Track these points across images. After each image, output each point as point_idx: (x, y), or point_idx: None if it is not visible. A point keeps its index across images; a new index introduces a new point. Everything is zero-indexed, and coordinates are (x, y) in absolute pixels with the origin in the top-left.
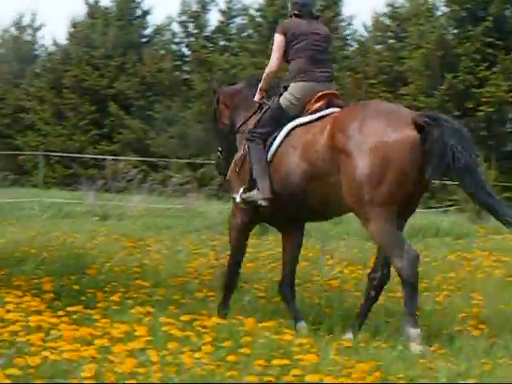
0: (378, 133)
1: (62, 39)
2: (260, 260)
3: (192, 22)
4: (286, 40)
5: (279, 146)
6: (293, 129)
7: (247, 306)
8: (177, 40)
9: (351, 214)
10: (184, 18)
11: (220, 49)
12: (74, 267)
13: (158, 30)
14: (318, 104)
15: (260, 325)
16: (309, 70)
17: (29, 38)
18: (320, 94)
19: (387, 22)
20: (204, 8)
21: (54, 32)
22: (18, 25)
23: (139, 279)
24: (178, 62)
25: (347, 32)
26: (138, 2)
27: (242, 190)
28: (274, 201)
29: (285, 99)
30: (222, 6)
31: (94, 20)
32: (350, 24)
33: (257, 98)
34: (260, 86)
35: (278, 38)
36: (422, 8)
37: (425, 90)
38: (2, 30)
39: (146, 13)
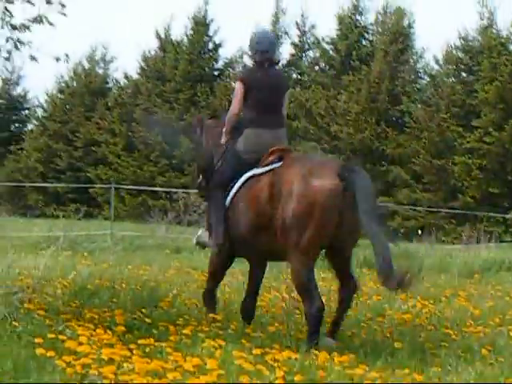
0: (305, 182)
1: (134, 72)
2: (332, 293)
3: None
4: (245, 88)
5: (235, 194)
6: (248, 179)
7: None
8: None
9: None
10: None
11: (292, 82)
12: (146, 300)
13: (230, 63)
14: (271, 158)
15: (332, 359)
16: (261, 118)
17: (101, 71)
18: (274, 148)
19: (459, 54)
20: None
21: (125, 65)
22: (90, 58)
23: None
24: None
25: (419, 65)
26: (210, 36)
27: (199, 231)
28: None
29: (239, 144)
30: (295, 39)
31: (165, 53)
32: (421, 57)
33: (223, 140)
34: (224, 129)
35: (238, 86)
36: (495, 42)
37: (497, 123)
38: (74, 63)
39: (217, 46)
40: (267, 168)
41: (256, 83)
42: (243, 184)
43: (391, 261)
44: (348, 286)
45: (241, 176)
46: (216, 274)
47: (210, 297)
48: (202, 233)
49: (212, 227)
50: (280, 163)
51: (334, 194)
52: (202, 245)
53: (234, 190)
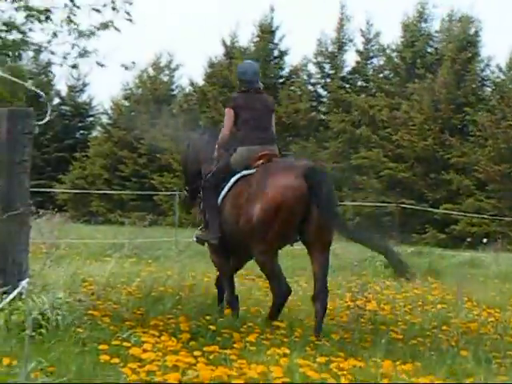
0: (273, 182)
1: (199, 79)
2: (396, 302)
3: (328, 62)
4: (234, 112)
5: (226, 193)
6: (237, 180)
7: (384, 348)
8: (313, 80)
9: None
10: (320, 58)
11: (357, 89)
12: (211, 308)
13: (295, 71)
14: (259, 161)
15: (397, 367)
16: (251, 136)
17: (166, 78)
18: (261, 153)
19: None
20: (340, 48)
21: (190, 72)
22: (155, 65)
23: (275, 320)
24: (315, 103)
25: (484, 73)
26: (276, 43)
27: (197, 230)
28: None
29: (233, 159)
30: (360, 46)
31: (230, 60)
32: (488, 65)
33: (215, 155)
34: (216, 150)
35: (228, 112)
36: None
37: None
38: (140, 70)
39: (283, 53)
40: (253, 170)
41: (244, 106)
42: (233, 185)
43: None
44: (319, 294)
45: (231, 178)
46: (223, 269)
47: (230, 284)
48: (199, 231)
49: (208, 224)
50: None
51: (298, 193)
52: (201, 241)
53: (225, 190)
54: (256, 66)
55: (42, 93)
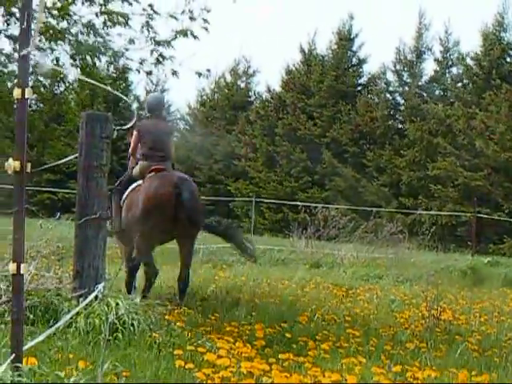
0: (149, 190)
1: (276, 86)
2: (472, 312)
3: (406, 70)
4: (139, 134)
5: (126, 196)
6: (134, 188)
7: (460, 358)
8: (391, 89)
9: None
10: (399, 66)
11: (435, 98)
12: (286, 315)
13: (373, 79)
14: (150, 174)
15: (473, 378)
16: (148, 154)
17: (243, 84)
18: (153, 167)
19: None
20: (419, 57)
21: (268, 79)
22: (232, 71)
23: (350, 328)
24: (392, 111)
25: None
26: (354, 51)
27: (107, 223)
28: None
29: (134, 170)
30: (438, 55)
31: (308, 67)
32: None
33: (129, 167)
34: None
35: (134, 134)
36: None
37: None
38: (217, 76)
39: (361, 61)
40: (143, 180)
41: (147, 130)
42: (131, 191)
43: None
44: (181, 275)
45: (131, 185)
46: (126, 256)
47: (129, 282)
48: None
49: (113, 220)
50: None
51: (167, 199)
52: (108, 234)
53: (125, 194)
54: (160, 98)
55: (126, 98)
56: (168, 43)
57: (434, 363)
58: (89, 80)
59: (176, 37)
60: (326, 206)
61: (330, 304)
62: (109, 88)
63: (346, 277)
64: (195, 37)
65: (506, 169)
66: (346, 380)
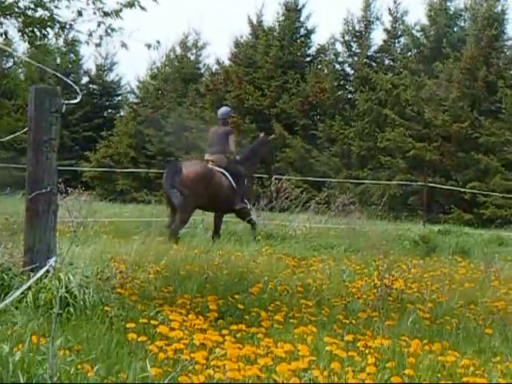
0: (191, 171)
1: (225, 59)
2: (424, 281)
3: (355, 41)
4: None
5: None
6: None
7: (412, 327)
8: (340, 59)
9: None
10: (347, 37)
11: (384, 68)
12: (238, 286)
13: (321, 50)
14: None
15: (425, 346)
16: (209, 149)
17: (193, 57)
18: (207, 158)
19: None
20: (367, 27)
21: (217, 52)
22: (182, 44)
23: (303, 299)
24: (341, 82)
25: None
26: (302, 22)
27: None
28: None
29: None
30: (387, 25)
31: (256, 39)
32: None
33: None
34: None
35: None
36: None
37: None
38: (167, 49)
39: (309, 32)
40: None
41: (211, 133)
42: None
43: None
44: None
45: None
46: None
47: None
48: None
49: None
50: None
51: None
52: None
53: None
54: (228, 111)
55: (68, 80)
56: (117, 13)
57: (387, 332)
58: (31, 61)
59: (122, 8)
60: (278, 177)
61: (282, 275)
62: (49, 69)
63: (299, 247)
64: (142, 8)
65: (458, 139)
66: (298, 350)
